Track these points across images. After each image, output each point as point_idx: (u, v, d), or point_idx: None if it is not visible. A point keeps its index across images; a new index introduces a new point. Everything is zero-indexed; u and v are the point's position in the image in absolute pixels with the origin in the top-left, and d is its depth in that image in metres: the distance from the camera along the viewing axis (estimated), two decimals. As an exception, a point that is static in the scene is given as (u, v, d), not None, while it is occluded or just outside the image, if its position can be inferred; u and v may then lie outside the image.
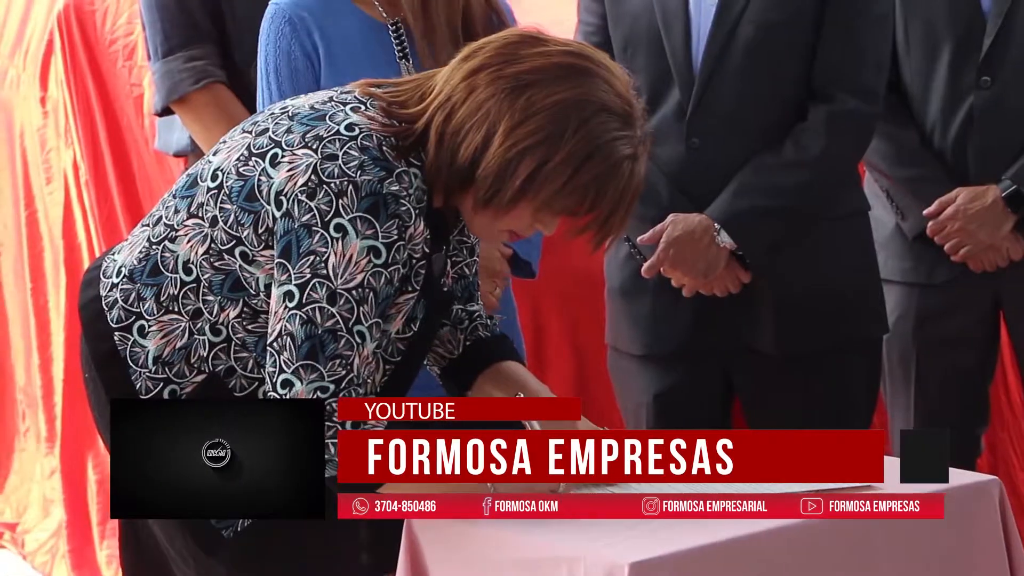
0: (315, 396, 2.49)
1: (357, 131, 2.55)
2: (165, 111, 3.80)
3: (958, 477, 2.68)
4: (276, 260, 2.54)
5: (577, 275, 4.01)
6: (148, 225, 2.70)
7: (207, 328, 2.62)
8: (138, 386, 2.63)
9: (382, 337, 2.61)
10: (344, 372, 2.51)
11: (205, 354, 2.62)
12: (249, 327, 2.62)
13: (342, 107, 2.59)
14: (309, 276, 2.51)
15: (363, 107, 2.59)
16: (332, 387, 2.50)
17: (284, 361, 2.51)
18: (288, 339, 2.51)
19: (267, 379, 2.54)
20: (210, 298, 2.61)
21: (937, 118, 3.55)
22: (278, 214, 2.54)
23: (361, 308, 2.52)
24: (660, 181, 3.33)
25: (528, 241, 3.27)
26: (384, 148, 2.54)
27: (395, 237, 2.52)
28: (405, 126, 2.57)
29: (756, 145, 3.33)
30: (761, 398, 3.42)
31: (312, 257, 2.51)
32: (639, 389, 3.47)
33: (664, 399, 3.43)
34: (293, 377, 2.50)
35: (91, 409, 2.78)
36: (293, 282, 2.52)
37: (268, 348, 2.54)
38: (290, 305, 2.51)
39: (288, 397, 2.50)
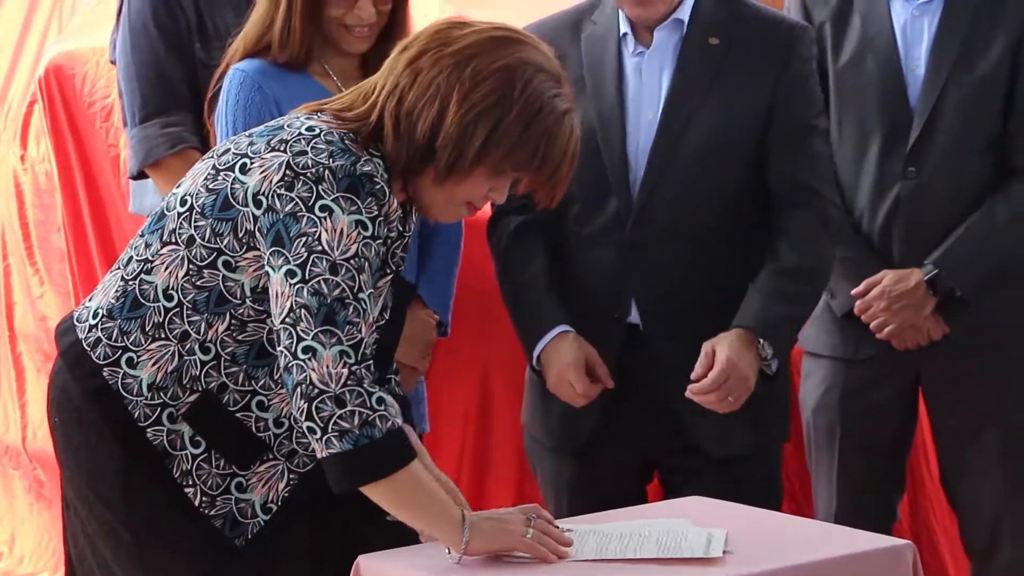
0: (341, 361, 2.49)
1: (318, 130, 2.61)
2: (140, 174, 3.82)
3: (874, 541, 2.74)
4: (268, 250, 2.55)
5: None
6: (119, 268, 2.71)
7: (196, 348, 2.63)
8: (136, 415, 2.63)
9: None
10: (359, 337, 2.53)
11: (197, 373, 2.63)
12: (239, 338, 2.64)
13: (296, 118, 2.66)
14: (306, 254, 2.53)
15: (315, 117, 2.65)
16: (352, 352, 2.51)
17: (302, 331, 2.52)
18: (302, 311, 2.52)
19: (283, 354, 2.54)
20: (196, 318, 2.62)
21: (866, 204, 3.59)
22: (259, 212, 2.57)
23: (360, 277, 2.55)
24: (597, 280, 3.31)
25: (443, 299, 3.36)
26: (346, 141, 2.60)
27: (376, 212, 2.57)
28: (358, 123, 2.63)
29: (689, 251, 3.27)
30: (682, 485, 3.31)
31: (305, 238, 2.54)
32: (554, 473, 3.43)
33: (579, 485, 3.38)
34: (314, 343, 2.51)
35: (62, 451, 2.75)
36: (292, 263, 2.54)
37: (280, 327, 2.54)
38: (293, 281, 2.53)
39: (313, 364, 2.49)
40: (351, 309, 2.53)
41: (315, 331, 2.51)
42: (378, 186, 2.58)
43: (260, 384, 2.66)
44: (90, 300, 2.74)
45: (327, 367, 2.50)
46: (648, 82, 3.27)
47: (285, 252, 2.54)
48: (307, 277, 2.53)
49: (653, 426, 3.31)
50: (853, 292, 3.58)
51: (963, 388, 3.63)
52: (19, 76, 5.11)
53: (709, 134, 3.25)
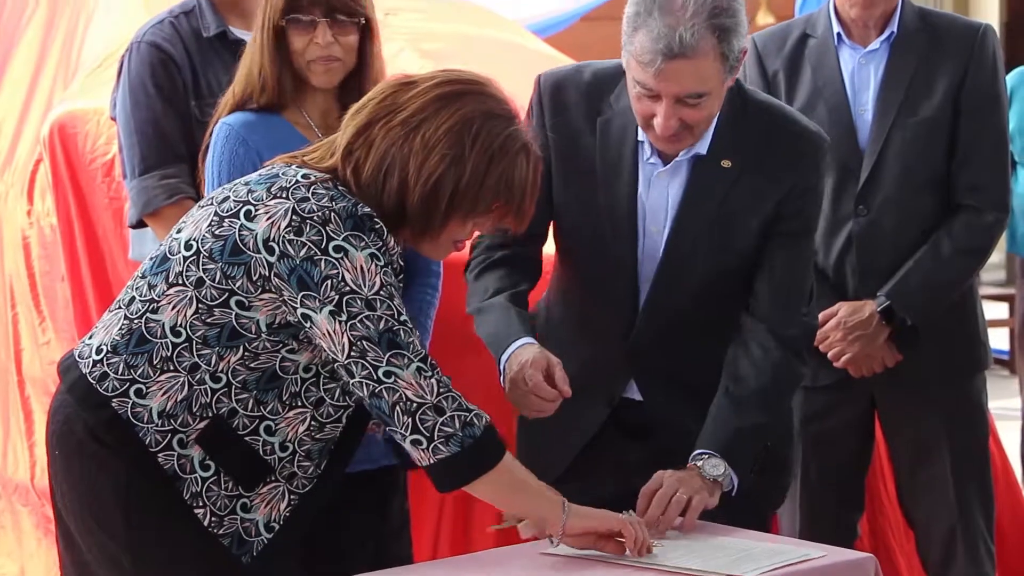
0: (422, 375, 2.56)
1: (312, 178, 2.67)
2: (139, 224, 3.86)
3: (837, 554, 2.81)
4: (299, 295, 2.59)
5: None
6: (120, 308, 2.72)
7: (207, 377, 2.66)
8: (147, 440, 2.65)
9: None
10: (423, 352, 2.60)
11: (207, 400, 2.66)
12: (251, 366, 2.66)
13: (288, 167, 2.72)
14: (337, 296, 2.59)
15: (296, 165, 2.72)
16: (428, 367, 2.58)
17: (373, 360, 2.58)
18: (363, 342, 2.58)
19: (363, 385, 2.59)
20: (206, 351, 2.65)
21: (821, 241, 3.66)
22: (272, 258, 2.61)
23: (395, 303, 2.61)
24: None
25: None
26: (339, 187, 2.67)
27: (380, 244, 2.63)
28: (332, 175, 2.70)
29: (691, 347, 3.17)
30: None
31: (329, 281, 2.59)
32: None
33: None
34: (390, 367, 2.57)
35: (61, 483, 2.76)
36: (329, 306, 2.58)
37: (346, 362, 2.59)
38: (341, 319, 2.58)
39: (401, 382, 2.56)
40: (403, 332, 2.59)
41: (386, 357, 2.57)
42: (378, 224, 2.63)
43: (268, 409, 2.69)
44: (90, 338, 2.76)
45: (415, 382, 2.57)
46: (657, 193, 3.12)
47: (316, 295, 2.58)
48: (349, 318, 2.58)
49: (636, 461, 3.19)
50: (809, 323, 3.68)
51: (916, 412, 3.74)
52: (26, 136, 5.13)
53: (715, 263, 3.13)
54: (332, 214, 2.61)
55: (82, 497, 2.72)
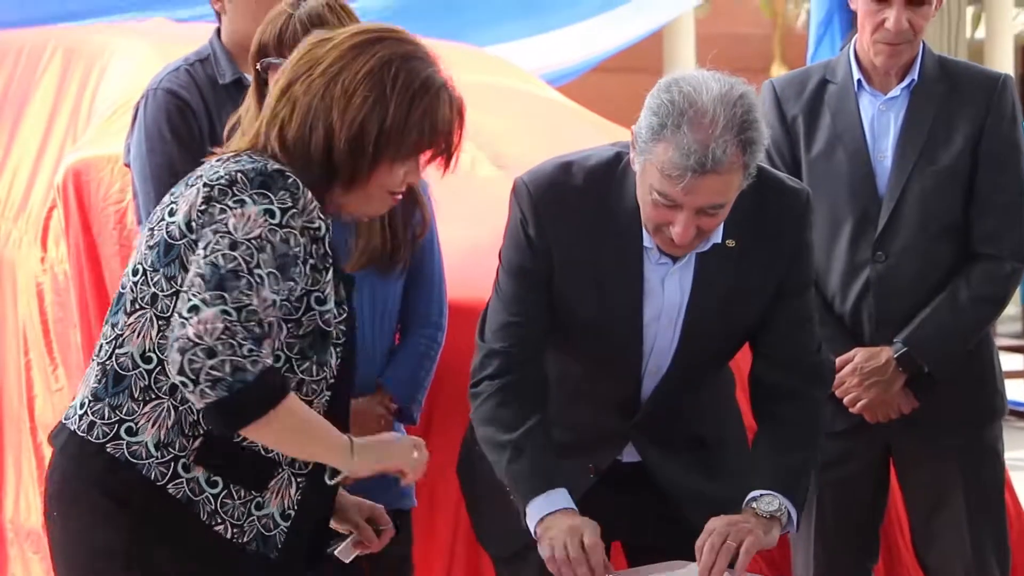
0: (221, 317, 2.50)
1: (227, 156, 2.68)
2: None
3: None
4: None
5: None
6: (93, 359, 2.71)
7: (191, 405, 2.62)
8: (152, 476, 2.63)
9: (302, 305, 2.64)
10: (247, 304, 2.53)
11: (195, 418, 2.63)
12: None
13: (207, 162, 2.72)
14: (211, 236, 2.57)
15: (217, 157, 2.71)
16: (234, 312, 2.52)
17: (192, 294, 2.54)
18: (197, 279, 2.55)
19: (175, 316, 2.55)
20: None
21: (838, 286, 3.68)
22: (192, 235, 2.60)
23: (260, 255, 2.56)
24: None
25: (406, 388, 3.37)
26: (255, 155, 2.66)
27: (289, 204, 2.59)
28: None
29: (689, 414, 3.18)
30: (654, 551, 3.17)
31: (215, 224, 2.58)
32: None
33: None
34: (200, 303, 2.53)
35: (61, 543, 2.72)
36: (200, 246, 2.58)
37: (181, 295, 2.57)
38: (197, 258, 2.57)
39: (193, 319, 2.50)
40: (243, 282, 2.54)
41: (204, 293, 2.53)
42: (290, 180, 2.61)
43: None
44: (73, 399, 2.74)
45: (206, 323, 2.51)
46: (670, 289, 3.08)
47: (200, 241, 2.59)
48: (208, 253, 2.56)
49: (633, 513, 3.21)
50: (826, 369, 3.66)
51: (931, 458, 3.72)
52: (39, 183, 5.16)
53: (727, 339, 3.15)
54: (239, 175, 2.61)
55: (82, 550, 2.69)
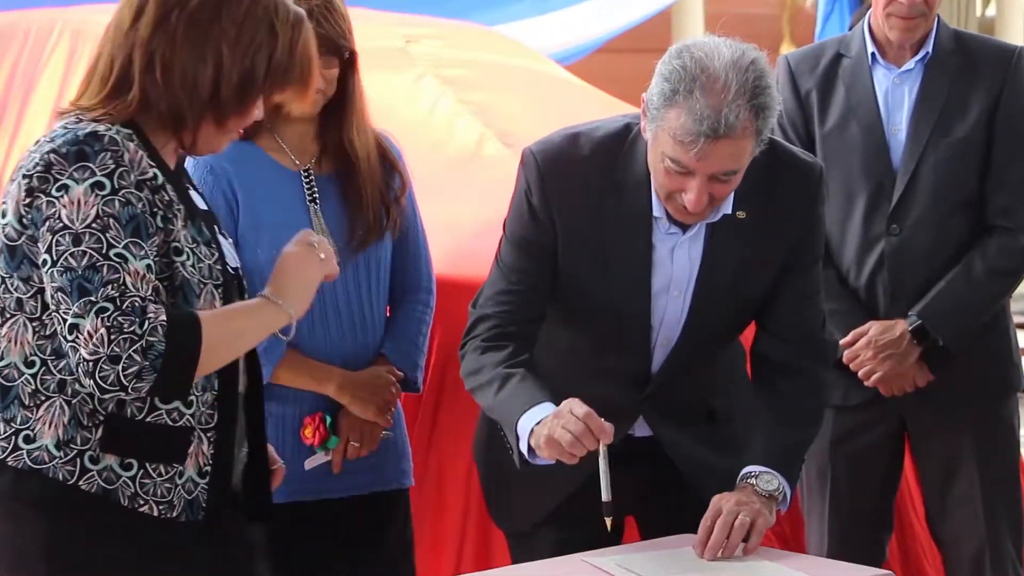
0: (99, 320, 2.45)
1: (41, 138, 2.58)
2: None
3: (857, 571, 2.83)
4: (41, 255, 2.52)
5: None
6: None
7: (77, 387, 2.57)
8: (60, 478, 2.57)
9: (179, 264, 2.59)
10: (118, 292, 2.48)
11: (91, 407, 2.58)
12: None
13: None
14: (51, 237, 2.50)
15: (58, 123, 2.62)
16: (109, 305, 2.47)
17: (63, 313, 2.49)
18: (59, 294, 2.49)
19: (61, 340, 2.51)
20: (61, 363, 2.56)
21: (853, 260, 3.68)
22: (28, 232, 2.54)
23: (108, 235, 2.50)
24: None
25: (408, 356, 3.35)
26: (70, 121, 2.58)
27: (113, 166, 2.52)
28: (112, 105, 2.59)
29: (700, 387, 3.17)
30: (660, 520, 3.17)
31: (48, 223, 2.50)
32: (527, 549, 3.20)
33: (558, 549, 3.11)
34: (75, 319, 2.47)
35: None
36: (44, 252, 2.50)
37: (55, 316, 2.51)
38: (46, 269, 2.50)
39: (79, 339, 2.45)
40: (105, 269, 2.49)
41: (72, 308, 2.48)
42: (106, 138, 2.53)
43: None
44: None
45: (90, 336, 2.46)
46: (679, 259, 3.06)
47: (41, 245, 2.52)
48: (56, 259, 2.49)
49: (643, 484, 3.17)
50: (841, 342, 3.65)
51: (945, 432, 3.72)
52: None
53: (737, 311, 3.13)
54: (53, 156, 2.52)
55: (7, 558, 2.62)
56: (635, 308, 3.07)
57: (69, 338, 2.49)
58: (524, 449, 2.95)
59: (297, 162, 3.27)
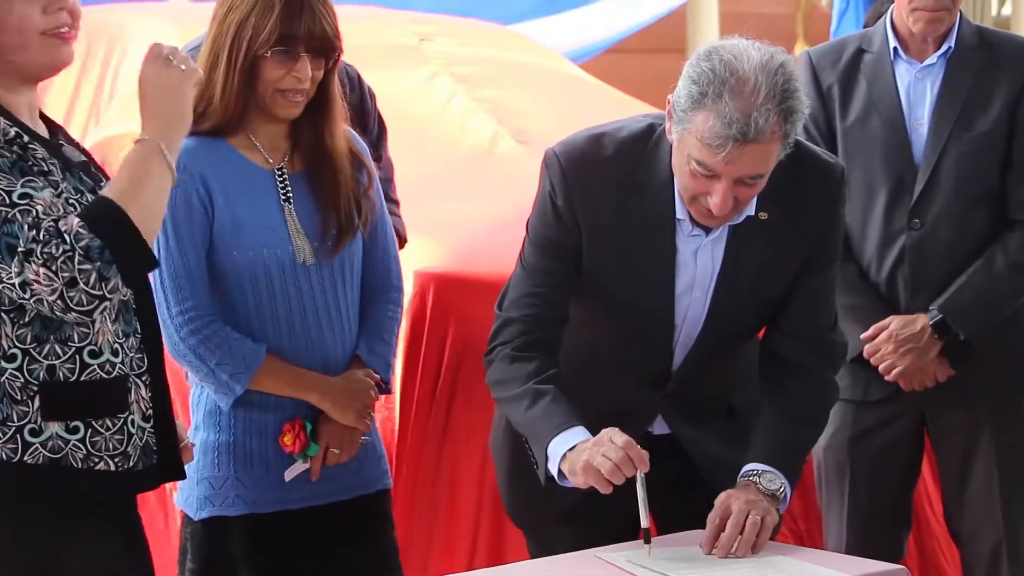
0: (34, 262, 2.46)
1: None
2: None
3: (871, 566, 2.83)
4: None
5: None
6: None
7: (2, 363, 2.58)
8: (3, 456, 2.57)
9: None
10: (34, 228, 2.48)
11: (22, 380, 2.58)
12: (25, 322, 2.58)
13: None
14: None
15: None
16: (35, 245, 2.47)
17: (9, 280, 2.49)
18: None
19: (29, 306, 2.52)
20: None
21: (874, 254, 3.67)
22: None
23: (0, 186, 2.50)
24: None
25: (383, 358, 3.30)
26: None
27: None
28: None
29: (718, 385, 3.16)
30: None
31: None
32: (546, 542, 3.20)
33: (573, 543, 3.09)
34: (18, 277, 2.48)
35: None
36: None
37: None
38: None
39: (35, 290, 2.47)
40: (17, 215, 2.48)
41: (11, 269, 2.49)
42: None
43: (72, 337, 2.61)
44: None
45: (38, 282, 2.48)
46: (703, 260, 3.05)
47: None
48: None
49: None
50: (862, 336, 3.64)
51: (965, 427, 3.71)
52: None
53: (757, 311, 3.11)
54: None
55: None
56: (659, 308, 3.06)
57: (27, 297, 2.50)
58: (554, 472, 2.95)
59: (270, 160, 3.22)
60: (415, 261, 3.94)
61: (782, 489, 2.98)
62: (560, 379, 3.05)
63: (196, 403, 3.28)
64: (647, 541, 2.85)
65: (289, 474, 3.23)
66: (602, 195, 3.03)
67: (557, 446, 2.95)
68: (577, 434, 2.94)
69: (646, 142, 3.03)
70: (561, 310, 3.10)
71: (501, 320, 3.13)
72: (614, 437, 2.87)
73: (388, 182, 3.96)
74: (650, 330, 3.09)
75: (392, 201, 3.92)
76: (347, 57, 3.98)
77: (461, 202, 4.46)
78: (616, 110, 5.19)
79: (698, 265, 3.04)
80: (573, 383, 3.08)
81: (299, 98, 3.16)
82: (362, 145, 3.35)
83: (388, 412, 3.92)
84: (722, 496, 2.94)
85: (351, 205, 3.24)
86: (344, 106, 3.28)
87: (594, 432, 2.96)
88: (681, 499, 3.10)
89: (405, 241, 3.91)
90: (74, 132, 5.12)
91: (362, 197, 3.27)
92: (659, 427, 3.18)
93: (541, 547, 3.20)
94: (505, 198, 4.36)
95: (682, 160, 2.90)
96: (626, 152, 3.03)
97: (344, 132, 3.27)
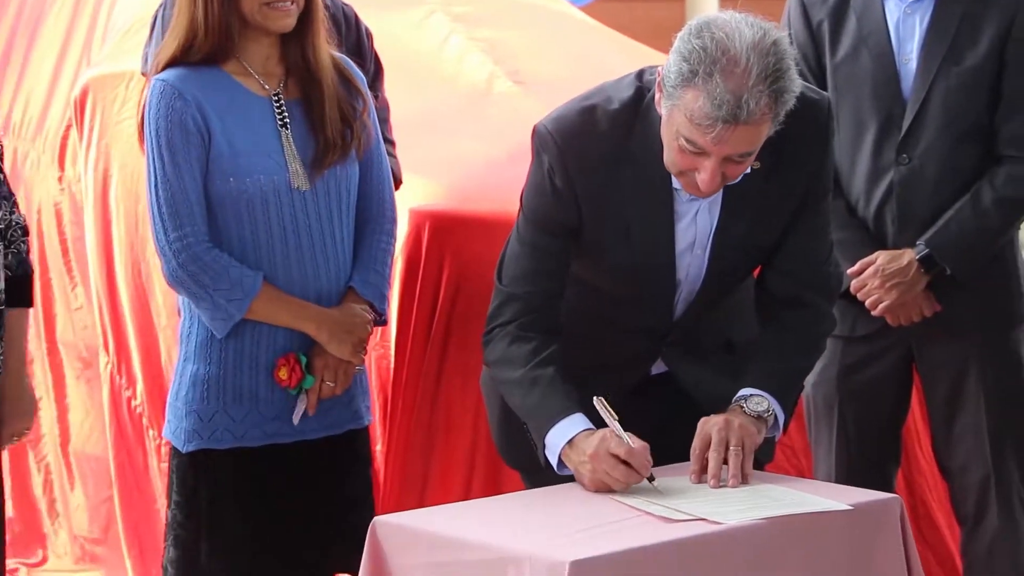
0: None
1: None
2: None
3: (865, 495, 2.88)
4: None
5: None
6: None
7: None
8: None
9: None
10: None
11: None
12: None
13: None
14: None
15: None
16: None
17: None
18: None
19: None
20: None
21: (862, 190, 3.71)
22: None
23: None
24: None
25: (377, 289, 3.34)
26: None
27: None
28: None
29: (717, 326, 3.20)
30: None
31: None
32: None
33: None
34: None
35: None
36: None
37: None
38: None
39: None
40: None
41: None
42: None
43: None
44: None
45: None
46: (701, 221, 3.07)
47: None
48: None
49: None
50: (849, 271, 3.68)
51: (952, 362, 3.74)
52: (56, 103, 5.19)
53: (756, 257, 3.16)
54: None
55: None
56: (660, 270, 3.09)
57: None
58: (553, 461, 2.99)
59: (266, 87, 3.25)
60: (410, 199, 3.97)
61: (769, 410, 3.01)
62: (560, 357, 3.06)
63: (186, 335, 3.30)
64: (651, 480, 2.88)
65: (296, 416, 3.26)
66: (600, 170, 3.03)
67: (555, 437, 2.98)
68: (575, 423, 2.96)
69: (636, 111, 3.02)
70: (561, 285, 3.13)
71: (502, 296, 3.14)
72: (613, 448, 2.87)
73: (385, 122, 3.99)
74: (652, 289, 3.12)
75: (388, 141, 3.96)
76: (345, -4, 4.02)
77: (457, 141, 4.49)
78: (615, 52, 5.22)
79: (698, 225, 3.07)
80: (575, 332, 3.11)
81: (291, 7, 3.19)
82: (357, 72, 3.37)
83: (384, 350, 3.95)
84: (700, 423, 2.97)
85: (341, 125, 3.26)
86: (327, 20, 3.30)
87: (595, 380, 3.02)
88: (681, 434, 3.12)
89: (400, 182, 3.96)
90: (67, 74, 5.23)
91: (354, 120, 3.29)
92: (657, 367, 3.23)
93: (536, 486, 3.19)
94: (501, 138, 4.39)
95: (671, 135, 2.90)
96: (620, 124, 3.02)
97: (328, 49, 3.29)
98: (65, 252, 4.97)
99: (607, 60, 4.88)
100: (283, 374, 3.25)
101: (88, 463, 4.91)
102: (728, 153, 2.86)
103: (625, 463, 2.87)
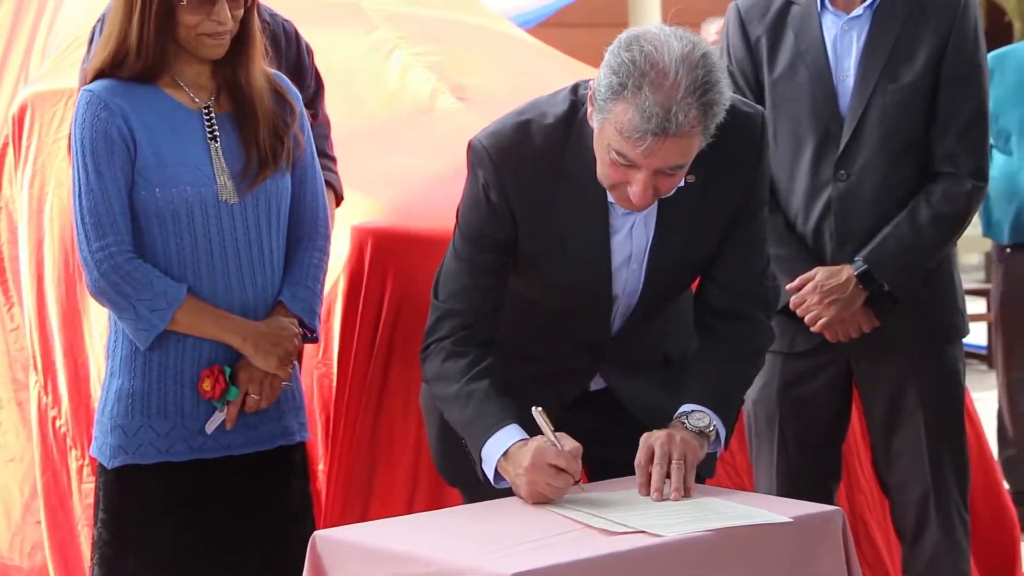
0: None
1: None
2: None
3: (807, 507, 2.91)
4: None
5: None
6: None
7: None
8: None
9: None
10: None
11: None
12: None
13: None
14: None
15: None
16: None
17: None
18: None
19: None
20: None
21: (800, 206, 3.75)
22: None
23: None
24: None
25: (308, 304, 3.34)
26: None
27: None
28: None
29: (655, 339, 3.25)
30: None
31: None
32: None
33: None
34: None
35: None
36: None
37: None
38: None
39: None
40: None
41: None
42: None
43: None
44: None
45: None
46: (637, 234, 3.10)
47: None
48: None
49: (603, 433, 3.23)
50: (788, 287, 3.72)
51: (892, 378, 3.78)
52: (-9, 119, 5.19)
53: (693, 270, 3.20)
54: None
55: None
56: (596, 285, 3.12)
57: None
58: (490, 474, 3.02)
59: (196, 100, 3.27)
60: (353, 216, 3.98)
61: (711, 426, 3.05)
62: (495, 369, 3.09)
63: (112, 350, 3.30)
64: (576, 482, 2.91)
65: (210, 426, 3.25)
66: (535, 185, 3.06)
67: (491, 449, 3.01)
68: (509, 434, 2.99)
69: (570, 126, 3.05)
70: (497, 299, 3.15)
71: (439, 313, 3.17)
72: (547, 456, 2.90)
73: (325, 139, 4.01)
74: (589, 304, 3.15)
75: (329, 157, 3.98)
76: (286, 12, 4.04)
77: (399, 157, 4.50)
78: (555, 71, 5.25)
79: (634, 240, 3.10)
80: (514, 346, 3.14)
81: (223, 38, 3.21)
82: (290, 86, 3.39)
83: (326, 368, 3.96)
84: (643, 437, 3.00)
85: (272, 139, 3.27)
86: (264, 42, 3.32)
87: (533, 393, 3.04)
88: (620, 448, 3.15)
89: (341, 199, 3.97)
90: (4, 92, 5.21)
91: (285, 133, 3.30)
92: (595, 383, 3.27)
93: (476, 501, 3.20)
94: (444, 154, 4.40)
95: (603, 149, 2.93)
96: (554, 139, 3.05)
97: (263, 68, 3.31)
98: (2, 271, 4.94)
99: (551, 79, 4.87)
100: (207, 385, 3.25)
101: (15, 485, 4.88)
102: (659, 166, 2.89)
103: (563, 471, 2.90)
